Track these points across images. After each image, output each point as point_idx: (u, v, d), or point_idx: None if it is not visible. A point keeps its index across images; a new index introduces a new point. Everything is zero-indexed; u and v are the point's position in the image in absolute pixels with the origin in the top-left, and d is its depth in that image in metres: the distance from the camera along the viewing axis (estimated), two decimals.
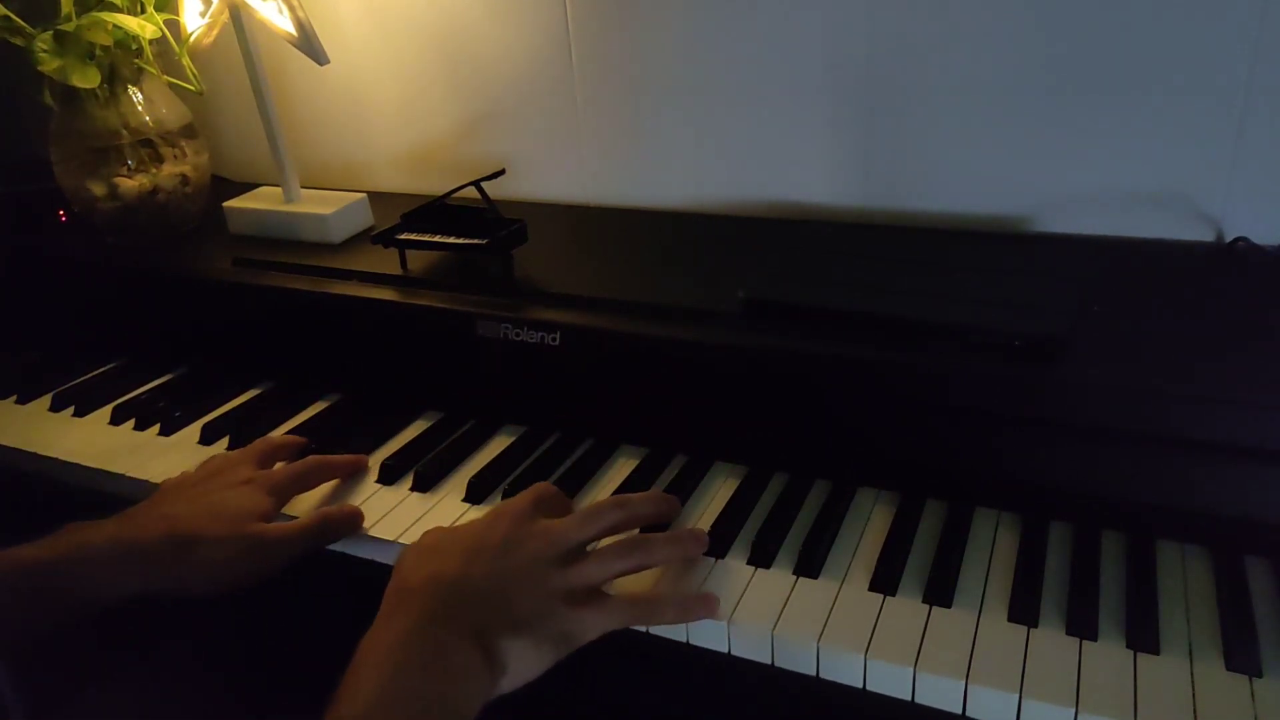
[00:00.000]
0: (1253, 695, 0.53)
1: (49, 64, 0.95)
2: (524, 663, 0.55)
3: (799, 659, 0.60)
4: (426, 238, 0.90)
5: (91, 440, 0.88)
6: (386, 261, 0.93)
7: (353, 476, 0.78)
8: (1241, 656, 0.55)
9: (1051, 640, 0.58)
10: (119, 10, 0.96)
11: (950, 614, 0.60)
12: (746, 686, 0.64)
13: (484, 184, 0.94)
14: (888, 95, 0.91)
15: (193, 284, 0.98)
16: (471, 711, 0.52)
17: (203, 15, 0.99)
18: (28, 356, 1.05)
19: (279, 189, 1.05)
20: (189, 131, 1.08)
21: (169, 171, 1.06)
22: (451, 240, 0.89)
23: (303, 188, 1.06)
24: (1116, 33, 0.81)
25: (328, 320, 0.90)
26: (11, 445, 0.89)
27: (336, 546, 0.71)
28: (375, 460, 0.79)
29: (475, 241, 0.88)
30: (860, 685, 0.58)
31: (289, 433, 0.85)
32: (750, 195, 1.02)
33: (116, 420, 0.91)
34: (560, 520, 0.62)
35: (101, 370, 1.01)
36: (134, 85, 1.03)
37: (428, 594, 0.56)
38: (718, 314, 0.77)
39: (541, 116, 1.07)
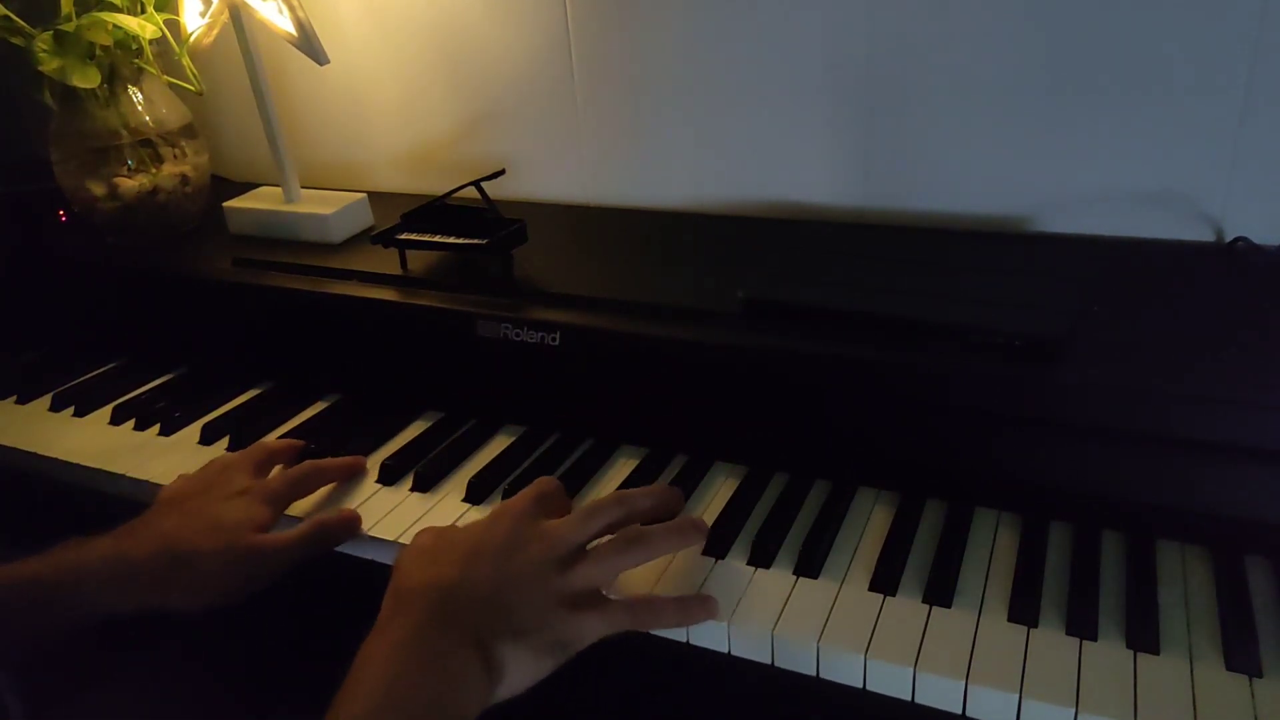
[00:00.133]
0: (1253, 695, 0.53)
1: (49, 64, 0.95)
2: (522, 670, 0.55)
3: (799, 659, 0.60)
4: (426, 238, 0.90)
5: (91, 440, 0.88)
6: (386, 261, 0.93)
7: (351, 478, 0.78)
8: (1241, 656, 0.55)
9: (1051, 640, 0.58)
10: (119, 10, 0.97)
11: (950, 614, 0.60)
12: (746, 686, 0.64)
13: (484, 184, 0.94)
14: (888, 95, 0.91)
15: (193, 284, 0.98)
16: (470, 715, 0.52)
17: (203, 15, 0.99)
18: (28, 356, 1.05)
19: (279, 189, 1.05)
20: (189, 131, 1.08)
21: (169, 171, 1.06)
22: (451, 240, 0.89)
23: (303, 188, 1.06)
24: (1116, 32, 0.81)
25: (328, 320, 0.90)
26: (11, 445, 0.89)
27: (337, 547, 0.71)
28: (375, 460, 0.79)
29: (475, 241, 0.88)
30: (860, 685, 0.58)
31: (289, 433, 0.85)
32: (750, 195, 1.02)
33: (116, 420, 0.91)
34: (560, 521, 0.61)
35: (101, 370, 1.01)
36: (134, 85, 1.03)
37: (427, 598, 0.56)
38: (718, 314, 0.77)
39: (541, 116, 1.07)
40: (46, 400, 0.96)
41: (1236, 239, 0.83)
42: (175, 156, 1.06)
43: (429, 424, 0.85)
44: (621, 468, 0.77)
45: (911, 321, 0.71)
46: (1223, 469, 0.62)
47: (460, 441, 0.81)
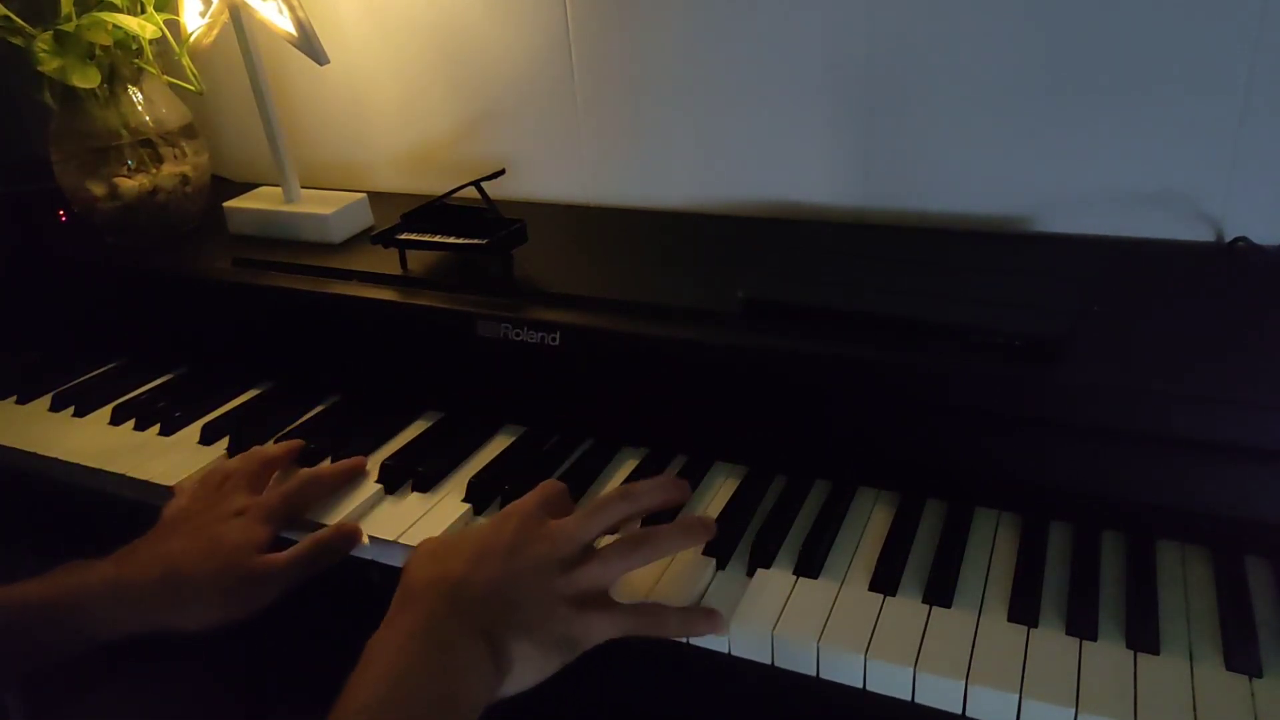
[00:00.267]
0: (1253, 695, 0.53)
1: (49, 64, 0.95)
2: (528, 666, 0.55)
3: (799, 659, 0.60)
4: (426, 238, 0.90)
5: (91, 440, 0.88)
6: (386, 261, 0.93)
7: (349, 483, 0.77)
8: (1241, 656, 0.55)
9: (1051, 640, 0.58)
10: (119, 10, 0.97)
11: (950, 614, 0.60)
12: (746, 686, 0.64)
13: (484, 184, 0.94)
14: (888, 95, 0.91)
15: (193, 284, 0.98)
16: (476, 709, 0.52)
17: (203, 15, 0.99)
18: (28, 356, 1.05)
19: (279, 189, 1.05)
20: (189, 131, 1.08)
21: (169, 171, 1.06)
22: (451, 240, 0.89)
23: (303, 188, 1.06)
24: (1116, 33, 0.81)
25: (328, 320, 0.90)
26: (11, 445, 0.89)
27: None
28: (375, 460, 0.79)
29: (475, 241, 0.88)
30: (860, 685, 0.58)
31: (289, 433, 0.85)
32: (750, 195, 1.02)
33: (116, 420, 0.91)
34: (566, 520, 0.61)
35: (101, 370, 1.01)
36: (134, 85, 1.03)
37: (435, 593, 0.56)
38: (718, 314, 0.77)
39: (541, 116, 1.07)
40: (46, 400, 0.96)
41: (1236, 239, 0.83)
42: (175, 156, 1.06)
43: (429, 424, 0.85)
44: (622, 468, 0.77)
45: (911, 321, 0.71)
46: (1223, 469, 0.62)
47: (460, 441, 0.81)
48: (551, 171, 1.09)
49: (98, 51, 0.98)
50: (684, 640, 0.62)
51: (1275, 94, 0.78)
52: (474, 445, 0.81)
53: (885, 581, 0.63)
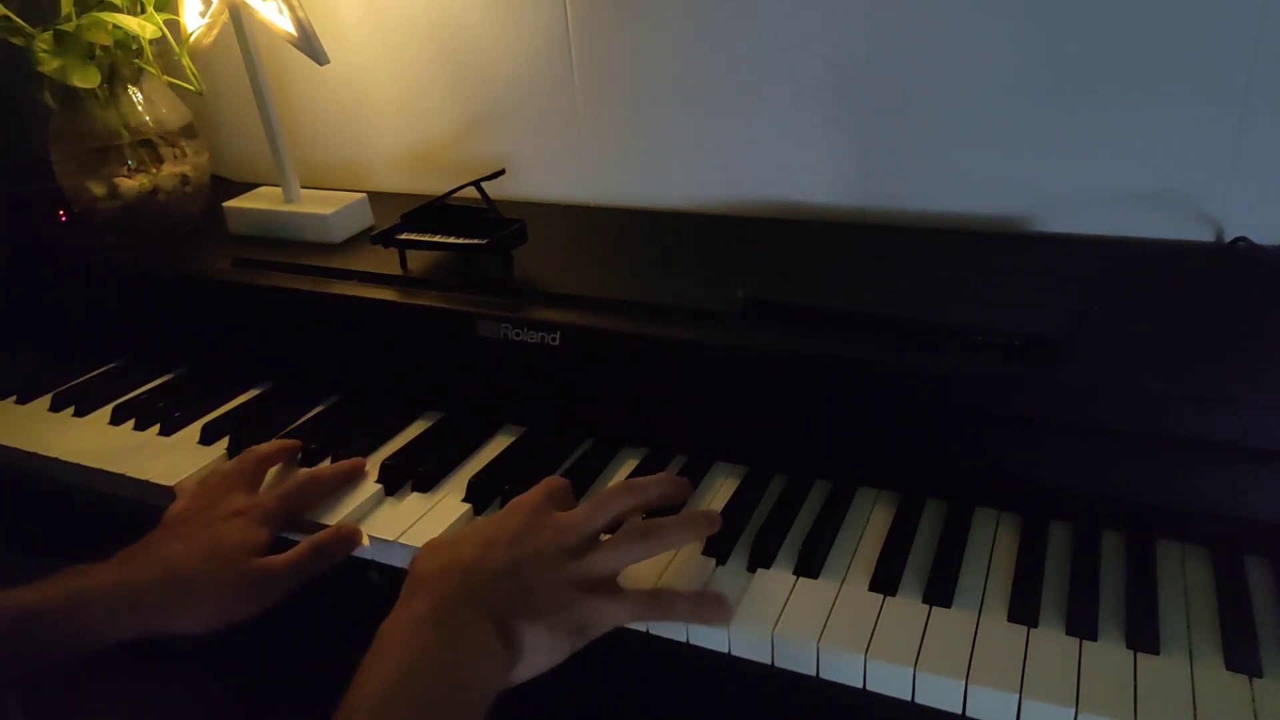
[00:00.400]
0: (1253, 695, 0.53)
1: (49, 64, 0.95)
2: (539, 650, 0.55)
3: (799, 659, 0.60)
4: (426, 238, 0.90)
5: (91, 440, 0.88)
6: (386, 261, 0.93)
7: (350, 483, 0.77)
8: (1241, 656, 0.55)
9: (1051, 640, 0.58)
10: (119, 10, 0.97)
11: (950, 614, 0.60)
12: (746, 686, 0.64)
13: (484, 184, 0.94)
14: (888, 95, 0.91)
15: (193, 284, 0.98)
16: (489, 693, 0.53)
17: (203, 15, 0.99)
18: (28, 356, 1.05)
19: (279, 189, 1.05)
20: (189, 131, 1.08)
21: (169, 171, 1.06)
22: (451, 240, 0.89)
23: (303, 188, 1.06)
24: (1116, 33, 0.81)
25: (328, 320, 0.90)
26: (11, 445, 0.89)
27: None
28: (375, 460, 0.79)
29: (475, 241, 0.88)
30: (860, 685, 0.58)
31: (289, 433, 0.85)
32: (750, 195, 1.02)
33: (116, 420, 0.91)
34: (572, 510, 0.62)
35: (101, 370, 1.01)
36: (134, 85, 1.03)
37: (446, 579, 0.57)
38: (718, 314, 0.77)
39: (541, 116, 1.07)
40: (46, 400, 0.95)
41: (1236, 239, 0.83)
42: (175, 156, 1.06)
43: (429, 424, 0.85)
44: (622, 468, 0.77)
45: (911, 321, 0.71)
46: (1223, 469, 0.62)
47: (460, 441, 0.81)
48: (551, 171, 1.09)
49: (98, 51, 0.98)
50: (684, 640, 0.62)
51: (1275, 94, 0.78)
52: (474, 445, 0.81)
53: (885, 581, 0.63)
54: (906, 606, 0.61)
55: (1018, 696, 0.54)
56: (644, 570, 0.64)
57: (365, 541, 0.71)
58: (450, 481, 0.77)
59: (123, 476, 0.82)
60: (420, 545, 0.69)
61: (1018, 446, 0.67)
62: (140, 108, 1.04)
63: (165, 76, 1.05)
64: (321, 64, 0.95)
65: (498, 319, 0.81)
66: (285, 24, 0.93)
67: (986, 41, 0.85)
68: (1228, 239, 0.84)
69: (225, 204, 1.07)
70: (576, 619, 0.57)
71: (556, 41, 1.02)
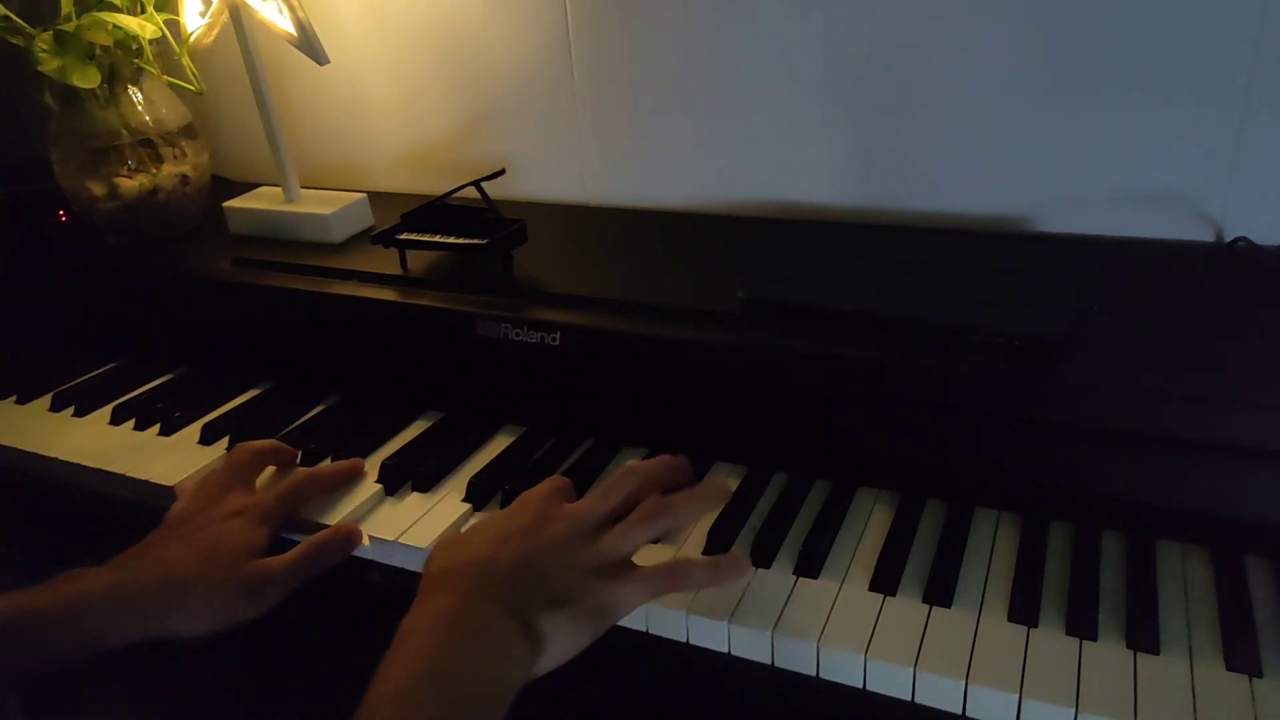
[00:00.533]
0: (1253, 695, 0.53)
1: (49, 64, 0.95)
2: (562, 639, 0.55)
3: (799, 659, 0.60)
4: (426, 238, 0.90)
5: (91, 440, 0.88)
6: (386, 261, 0.93)
7: (348, 483, 0.77)
8: (1241, 656, 0.55)
9: (1051, 640, 0.58)
10: (119, 10, 0.97)
11: (950, 614, 0.60)
12: (746, 686, 0.64)
13: (484, 184, 0.94)
14: (888, 95, 0.91)
15: (193, 284, 0.98)
16: (513, 687, 0.53)
17: (203, 15, 0.99)
18: (28, 356, 1.05)
19: (279, 189, 1.05)
20: (189, 131, 1.08)
21: (169, 171, 1.06)
22: (451, 240, 0.89)
23: (303, 188, 1.06)
24: (1116, 33, 0.81)
25: (328, 320, 0.90)
26: (11, 445, 0.89)
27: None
28: (375, 461, 0.79)
29: (475, 241, 0.88)
30: (860, 685, 0.58)
31: (289, 433, 0.85)
32: (750, 195, 1.02)
33: (116, 420, 0.91)
34: (580, 501, 0.63)
35: (101, 370, 1.01)
36: (134, 85, 1.03)
37: (465, 575, 0.57)
38: (718, 314, 0.77)
39: (541, 116, 1.07)
40: (46, 400, 0.95)
41: (1236, 239, 0.83)
42: (175, 156, 1.06)
43: (429, 424, 0.85)
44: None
45: (911, 321, 0.71)
46: (1223, 469, 0.62)
47: (460, 441, 0.81)
48: (551, 171, 1.09)
49: (98, 51, 0.98)
50: (684, 640, 0.62)
51: (1275, 94, 0.78)
52: (474, 445, 0.81)
53: (885, 581, 0.63)
54: (906, 606, 0.61)
55: (1018, 696, 0.54)
56: (650, 557, 0.64)
57: (365, 541, 0.71)
58: (450, 481, 0.77)
59: (123, 476, 0.82)
60: (421, 545, 0.69)
61: (1018, 446, 0.67)
62: (140, 108, 1.04)
63: (165, 76, 1.05)
64: (321, 64, 0.95)
65: (498, 319, 0.81)
66: (285, 24, 0.93)
67: (986, 41, 0.85)
68: (1228, 239, 0.84)
69: (225, 204, 1.07)
70: (597, 604, 0.57)
71: (556, 41, 1.02)
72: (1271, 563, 0.62)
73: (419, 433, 0.84)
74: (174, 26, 1.01)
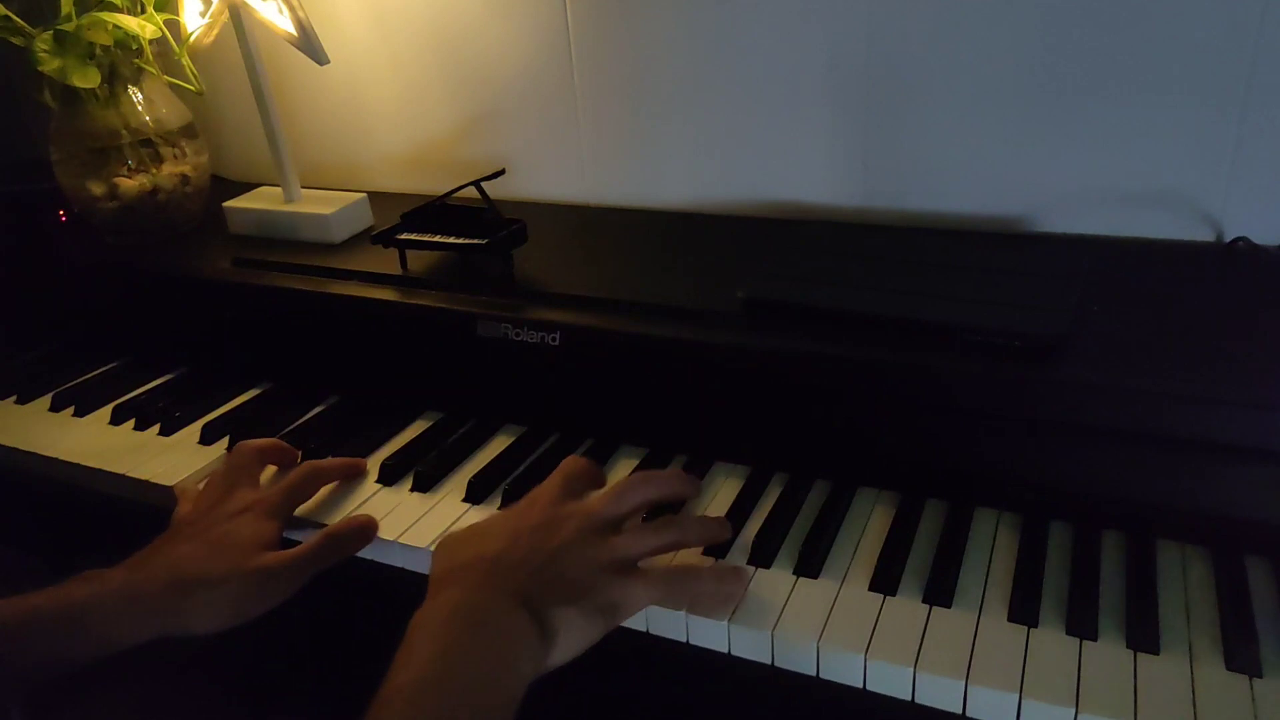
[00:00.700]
0: (1253, 695, 0.53)
1: (49, 64, 0.95)
2: (574, 632, 0.56)
3: (799, 659, 0.60)
4: (426, 238, 0.90)
5: (91, 440, 0.88)
6: (386, 261, 0.93)
7: (350, 478, 0.78)
8: (1241, 656, 0.55)
9: (1051, 640, 0.58)
10: (119, 10, 0.97)
11: (950, 614, 0.60)
12: (746, 686, 0.64)
13: (484, 184, 0.94)
14: (887, 95, 0.91)
15: (193, 284, 0.98)
16: (525, 679, 0.53)
17: (203, 15, 0.99)
18: (28, 356, 1.05)
19: (279, 189, 1.05)
20: (189, 131, 1.08)
21: (169, 171, 1.06)
22: (451, 240, 0.89)
23: (303, 188, 1.06)
24: (1116, 33, 0.81)
25: (328, 320, 0.90)
26: (11, 445, 0.89)
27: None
28: (375, 460, 0.79)
29: (475, 241, 0.88)
30: (860, 685, 0.58)
31: (289, 433, 0.85)
32: (750, 195, 1.02)
33: (116, 420, 0.91)
34: (592, 499, 0.63)
35: (101, 370, 1.01)
36: (134, 85, 1.03)
37: (476, 569, 0.57)
38: (718, 314, 0.77)
39: (541, 116, 1.07)
40: (46, 400, 0.96)
41: (1236, 239, 0.83)
42: (175, 156, 1.06)
43: (429, 424, 0.85)
44: (622, 468, 0.77)
45: (911, 321, 0.71)
46: (1223, 469, 0.62)
47: (460, 441, 0.81)
48: (551, 171, 1.09)
49: (98, 51, 0.98)
50: (684, 640, 0.62)
51: (1275, 94, 0.78)
52: (474, 445, 0.81)
53: (885, 581, 0.63)
54: (906, 606, 0.61)
55: (1018, 696, 0.54)
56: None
57: (381, 532, 0.71)
58: (450, 481, 0.77)
59: (123, 476, 0.82)
60: (421, 545, 0.70)
61: (1017, 446, 0.67)
62: (140, 108, 1.04)
63: (165, 76, 1.05)
64: (321, 64, 0.95)
65: (498, 319, 0.81)
66: (285, 24, 0.93)
67: (986, 42, 0.85)
68: (1228, 239, 0.84)
69: (225, 204, 1.07)
70: (608, 599, 0.57)
71: (556, 41, 1.02)
72: (1271, 563, 0.62)
73: (419, 432, 0.84)
74: (174, 26, 1.01)
